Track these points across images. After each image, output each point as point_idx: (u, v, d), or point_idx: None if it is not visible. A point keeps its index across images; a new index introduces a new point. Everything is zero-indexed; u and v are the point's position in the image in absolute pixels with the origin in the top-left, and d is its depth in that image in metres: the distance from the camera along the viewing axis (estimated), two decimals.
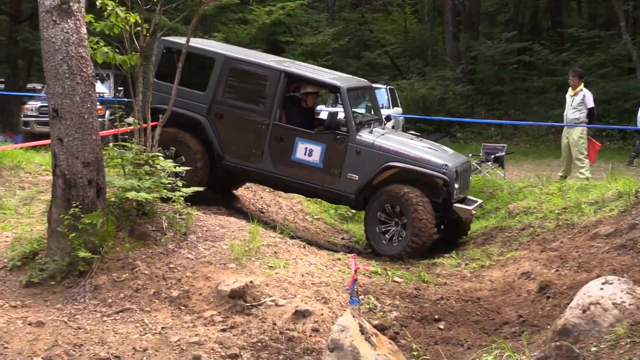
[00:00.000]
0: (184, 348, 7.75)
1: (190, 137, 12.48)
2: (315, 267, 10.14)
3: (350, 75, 15.45)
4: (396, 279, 10.46)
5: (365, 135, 12.33)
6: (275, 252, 10.26)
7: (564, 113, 16.76)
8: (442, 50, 38.20)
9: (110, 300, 8.67)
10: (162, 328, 8.17)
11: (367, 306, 8.97)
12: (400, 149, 12.32)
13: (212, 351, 7.65)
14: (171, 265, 9.30)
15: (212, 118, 12.53)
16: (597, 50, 34.27)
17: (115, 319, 8.33)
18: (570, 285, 8.58)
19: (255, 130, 12.42)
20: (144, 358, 7.59)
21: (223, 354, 7.62)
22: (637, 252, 9.10)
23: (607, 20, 37.09)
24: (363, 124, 12.59)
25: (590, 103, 16.30)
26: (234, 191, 14.50)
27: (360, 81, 14.56)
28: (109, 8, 10.29)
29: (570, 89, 16.68)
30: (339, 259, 11.13)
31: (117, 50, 10.54)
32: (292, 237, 11.45)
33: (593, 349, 6.07)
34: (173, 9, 12.19)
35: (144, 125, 10.72)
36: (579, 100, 16.27)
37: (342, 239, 14.52)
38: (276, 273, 9.46)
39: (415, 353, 7.39)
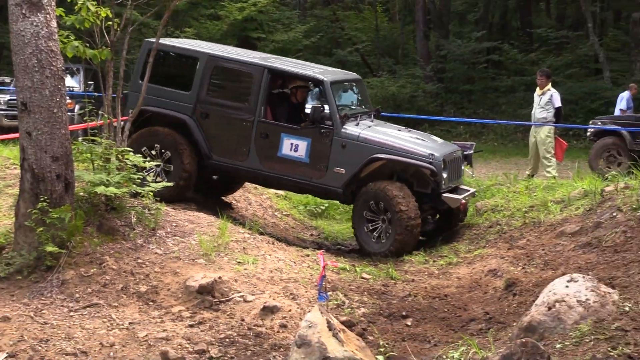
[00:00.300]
0: (152, 343, 7.72)
1: (178, 136, 12.32)
2: (284, 263, 10.13)
3: (338, 69, 15.31)
4: (364, 275, 10.47)
5: (350, 128, 12.16)
6: (244, 248, 10.24)
7: (532, 112, 16.84)
8: (412, 48, 38.22)
9: (77, 295, 8.61)
10: (130, 323, 8.14)
11: (335, 302, 8.96)
12: (386, 141, 12.13)
13: (179, 347, 7.62)
14: (139, 261, 9.25)
15: (197, 117, 12.38)
16: (565, 50, 34.49)
17: (82, 314, 8.28)
18: (536, 282, 8.61)
19: (240, 127, 12.27)
20: (111, 353, 7.55)
21: (191, 349, 7.60)
22: (602, 250, 9.16)
23: (574, 21, 37.35)
24: (348, 117, 12.36)
25: (558, 102, 16.38)
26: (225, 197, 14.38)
27: (348, 74, 14.49)
28: (79, 2, 10.21)
29: (538, 88, 16.76)
30: (308, 255, 11.12)
31: (87, 45, 10.45)
32: (261, 233, 11.43)
33: (558, 345, 6.10)
34: (144, 4, 12.12)
35: (114, 120, 10.68)
36: (546, 100, 16.35)
37: (311, 235, 14.50)
38: (245, 269, 9.44)
39: (382, 349, 7.38)
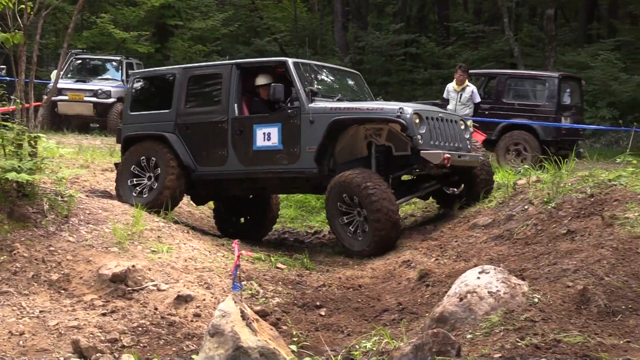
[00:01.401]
0: (63, 332, 7.63)
1: (164, 150, 12.21)
2: (199, 252, 10.11)
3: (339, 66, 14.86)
4: (279, 265, 10.49)
5: (320, 103, 11.57)
6: (158, 236, 10.19)
7: (451, 108, 16.86)
8: (331, 39, 38.31)
9: None
10: (41, 312, 8.03)
11: (250, 292, 8.96)
12: (351, 105, 11.60)
13: (91, 335, 7.54)
14: (51, 248, 9.13)
15: (178, 131, 12.25)
16: (481, 44, 34.98)
17: None
18: (449, 273, 8.69)
19: (217, 130, 12.03)
20: (21, 342, 7.44)
21: (103, 338, 7.53)
22: (513, 242, 9.29)
23: (491, 16, 37.90)
24: (315, 92, 11.70)
25: (478, 98, 16.60)
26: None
27: (342, 69, 14.48)
28: None
29: (455, 84, 16.83)
30: (223, 245, 11.14)
31: None
32: (176, 222, 11.40)
33: (468, 336, 6.19)
34: None
35: (27, 105, 10.54)
36: (467, 96, 16.46)
37: None
38: (159, 257, 9.39)
39: (295, 339, 7.40)
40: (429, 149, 10.95)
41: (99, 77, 24.52)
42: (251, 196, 13.37)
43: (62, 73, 20.23)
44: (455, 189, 12.25)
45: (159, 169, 12.14)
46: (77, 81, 23.69)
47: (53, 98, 19.13)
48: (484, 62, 33.00)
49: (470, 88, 16.62)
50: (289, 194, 13.97)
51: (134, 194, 12.09)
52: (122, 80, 24.31)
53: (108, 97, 23.36)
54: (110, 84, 23.96)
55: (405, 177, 12.10)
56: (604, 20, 37.90)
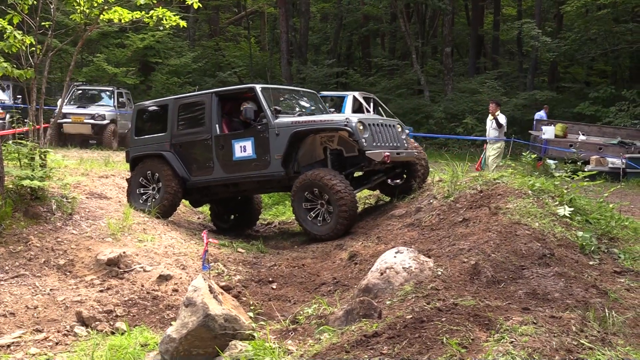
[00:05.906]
0: (69, 305, 7.58)
1: (163, 166, 12.03)
2: (176, 240, 10.05)
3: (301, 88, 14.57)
4: (240, 250, 10.46)
5: (284, 119, 11.26)
6: (144, 229, 10.11)
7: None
8: (278, 72, 38.14)
9: (7, 267, 8.34)
10: (51, 290, 7.95)
11: (216, 271, 8.93)
12: (307, 119, 11.27)
13: (91, 308, 7.49)
14: (59, 239, 9.03)
15: (174, 150, 12.03)
16: (396, 75, 35.15)
17: (11, 283, 8.04)
18: (372, 254, 8.70)
19: (204, 147, 11.78)
20: (35, 314, 7.38)
21: (101, 310, 7.48)
22: (421, 228, 9.31)
23: (403, 53, 38.13)
24: (279, 110, 11.44)
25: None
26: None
27: (287, 88, 13.94)
28: (8, 31, 9.96)
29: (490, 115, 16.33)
30: (195, 234, 11.05)
31: (15, 66, 10.15)
32: (157, 217, 11.29)
33: (388, 302, 6.21)
34: (62, 33, 11.82)
35: (38, 126, 10.43)
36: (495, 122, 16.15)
37: (198, 218, 14.40)
38: (144, 245, 9.32)
39: (253, 307, 7.40)
40: (373, 150, 10.71)
41: (96, 104, 24.22)
42: (239, 198, 13.17)
43: (66, 101, 19.98)
44: (399, 181, 12.01)
45: (160, 181, 11.99)
46: (78, 107, 23.40)
47: (59, 120, 18.85)
48: (397, 88, 33.23)
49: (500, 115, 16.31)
50: (264, 193, 13.76)
51: (141, 201, 11.95)
52: (114, 106, 24.12)
53: (103, 119, 23.11)
54: (105, 109, 23.69)
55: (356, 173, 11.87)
56: (489, 56, 38.38)
